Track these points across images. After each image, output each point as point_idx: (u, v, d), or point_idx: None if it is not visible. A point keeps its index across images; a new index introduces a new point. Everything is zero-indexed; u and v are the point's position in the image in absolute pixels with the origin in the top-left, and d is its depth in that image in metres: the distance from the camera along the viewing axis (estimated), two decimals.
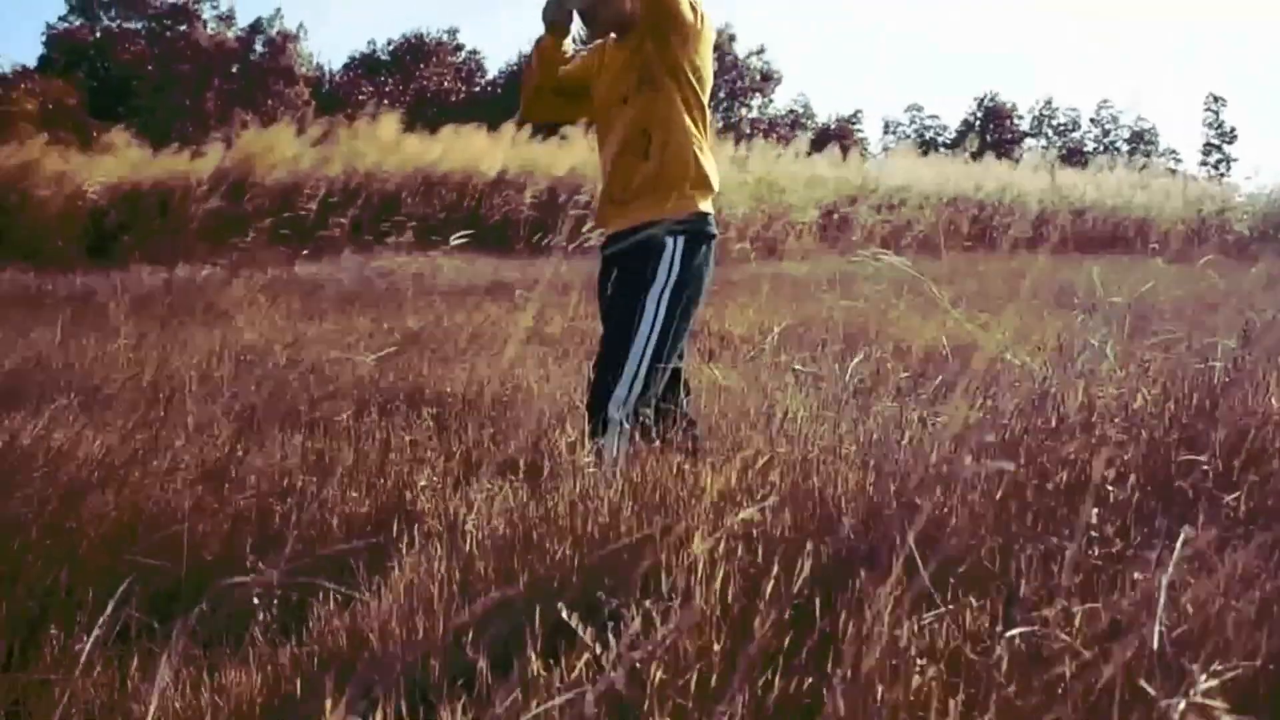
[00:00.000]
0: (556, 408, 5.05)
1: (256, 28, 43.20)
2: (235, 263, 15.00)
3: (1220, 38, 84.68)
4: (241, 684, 2.51)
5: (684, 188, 3.94)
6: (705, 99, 4.03)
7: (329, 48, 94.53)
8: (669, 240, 3.89)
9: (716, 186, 4.03)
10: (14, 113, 30.22)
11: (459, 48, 47.57)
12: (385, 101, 36.52)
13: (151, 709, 2.16)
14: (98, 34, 42.15)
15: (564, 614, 2.13)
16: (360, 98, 40.62)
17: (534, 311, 8.70)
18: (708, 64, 4.03)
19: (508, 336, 7.56)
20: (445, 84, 44.91)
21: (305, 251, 16.05)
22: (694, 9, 3.89)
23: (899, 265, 4.56)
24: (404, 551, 3.17)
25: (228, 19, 43.76)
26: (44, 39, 42.01)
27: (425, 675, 2.31)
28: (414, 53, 46.31)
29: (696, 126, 3.98)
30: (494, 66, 47.71)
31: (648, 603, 2.19)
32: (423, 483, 4.02)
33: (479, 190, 21.32)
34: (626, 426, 3.72)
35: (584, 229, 16.59)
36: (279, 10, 55.63)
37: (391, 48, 47.05)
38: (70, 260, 17.14)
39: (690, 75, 3.95)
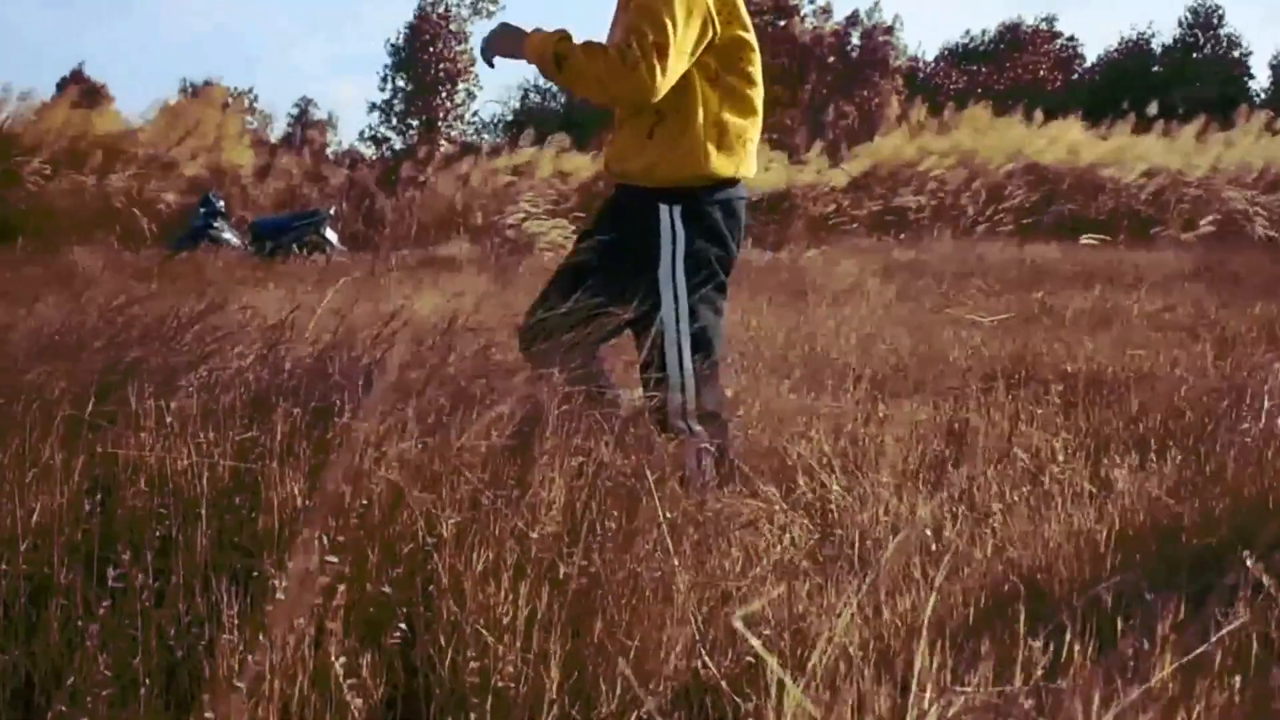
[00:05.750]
0: (1190, 392, 4.95)
1: (853, 20, 44.07)
2: (836, 246, 15.50)
3: None
4: (909, 611, 2.70)
5: (684, 175, 3.58)
6: (744, 50, 3.65)
7: (925, 39, 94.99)
8: (663, 208, 3.58)
9: (735, 170, 3.65)
10: None
11: (1056, 35, 46.39)
12: (979, 91, 36.35)
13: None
14: None
15: (1248, 561, 2.16)
16: (953, 88, 40.61)
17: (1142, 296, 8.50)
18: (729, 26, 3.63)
19: (1125, 318, 7.44)
20: (1041, 73, 43.92)
21: (902, 236, 16.37)
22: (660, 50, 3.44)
23: None
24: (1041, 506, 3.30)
25: (825, 12, 44.87)
26: None
27: (1096, 608, 2.40)
28: (1010, 41, 45.61)
29: (724, 97, 3.62)
30: (1092, 54, 46.21)
31: None
32: (1061, 456, 4.10)
33: (1080, 180, 20.87)
34: (697, 430, 3.50)
35: (1200, 221, 15.89)
36: (877, 2, 56.34)
37: (987, 37, 46.63)
38: None
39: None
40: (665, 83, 3.47)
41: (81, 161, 20.97)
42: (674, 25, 3.44)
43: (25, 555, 2.48)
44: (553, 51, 3.58)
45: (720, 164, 3.61)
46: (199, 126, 22.95)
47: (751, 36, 3.71)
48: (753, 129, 3.71)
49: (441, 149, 29.76)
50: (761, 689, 2.19)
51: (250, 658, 2.24)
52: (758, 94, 3.72)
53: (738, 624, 2.01)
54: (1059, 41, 46.18)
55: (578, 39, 3.61)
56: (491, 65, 3.85)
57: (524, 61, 3.71)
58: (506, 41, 3.75)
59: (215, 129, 23.05)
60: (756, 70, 3.71)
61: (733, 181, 3.67)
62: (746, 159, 3.69)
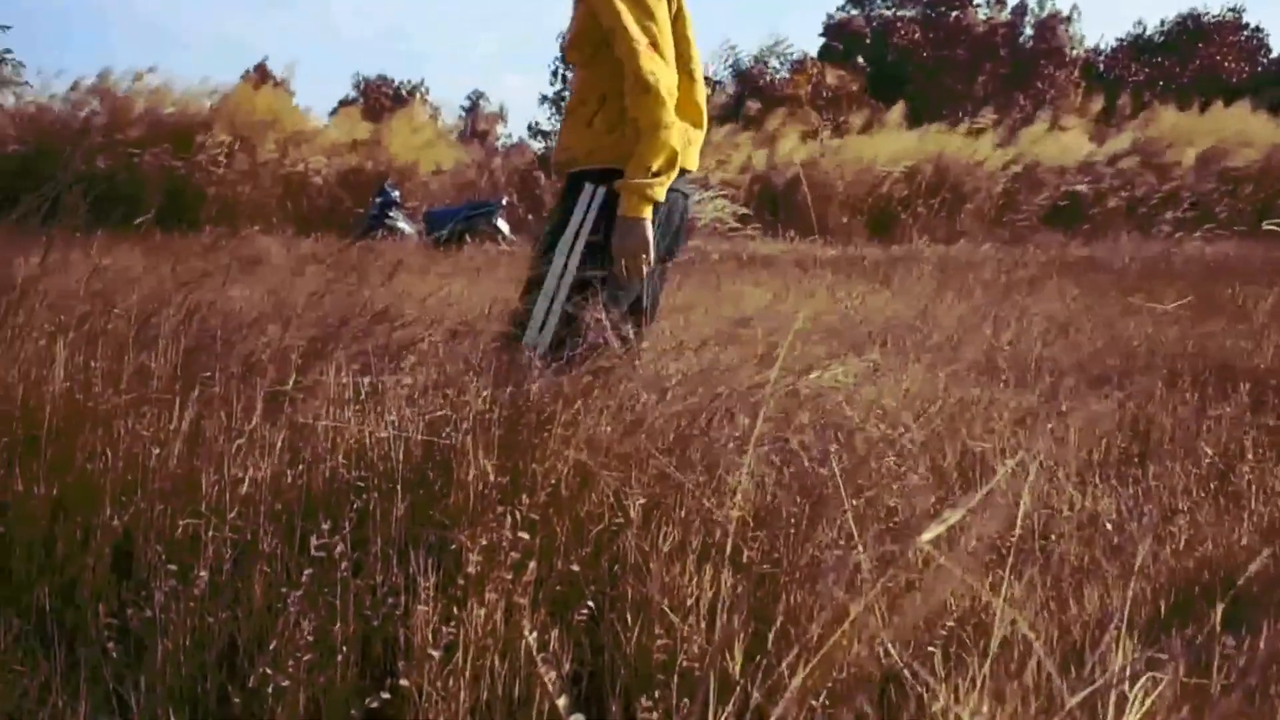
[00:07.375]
0: None
1: (1021, 10, 43.21)
2: (1010, 241, 15.27)
3: None
4: (1096, 606, 2.66)
5: (616, 156, 3.46)
6: (686, 46, 3.62)
7: (1100, 28, 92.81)
8: (588, 185, 3.49)
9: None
10: (796, 95, 32.47)
11: (1242, 26, 44.86)
12: (1161, 83, 35.39)
13: None
14: (873, 23, 44.00)
15: None
16: (1132, 80, 39.60)
17: None
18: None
19: None
20: (1227, 63, 42.52)
21: (1087, 227, 16.08)
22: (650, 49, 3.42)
23: None
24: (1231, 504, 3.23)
25: (999, 2, 44.05)
26: (823, 29, 44.56)
27: None
28: (1191, 32, 44.28)
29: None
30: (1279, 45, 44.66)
31: None
32: (1251, 455, 4.00)
33: (1265, 174, 20.23)
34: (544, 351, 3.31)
35: None
36: None
37: (1165, 28, 45.32)
38: (851, 233, 18.24)
39: None
40: (668, 64, 3.46)
41: (257, 145, 21.71)
42: (648, 14, 3.46)
43: (232, 523, 2.59)
44: (646, 174, 3.43)
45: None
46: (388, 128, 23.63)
47: (690, 31, 3.69)
48: (690, 124, 3.63)
49: None
50: (944, 676, 2.19)
51: (444, 628, 2.31)
52: (698, 90, 3.68)
53: (925, 545, 1.99)
54: (1244, 33, 44.66)
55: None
56: (647, 261, 3.49)
57: (647, 216, 3.45)
58: (624, 237, 3.47)
59: (411, 134, 23.70)
60: (697, 67, 3.69)
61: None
62: (683, 150, 3.57)
